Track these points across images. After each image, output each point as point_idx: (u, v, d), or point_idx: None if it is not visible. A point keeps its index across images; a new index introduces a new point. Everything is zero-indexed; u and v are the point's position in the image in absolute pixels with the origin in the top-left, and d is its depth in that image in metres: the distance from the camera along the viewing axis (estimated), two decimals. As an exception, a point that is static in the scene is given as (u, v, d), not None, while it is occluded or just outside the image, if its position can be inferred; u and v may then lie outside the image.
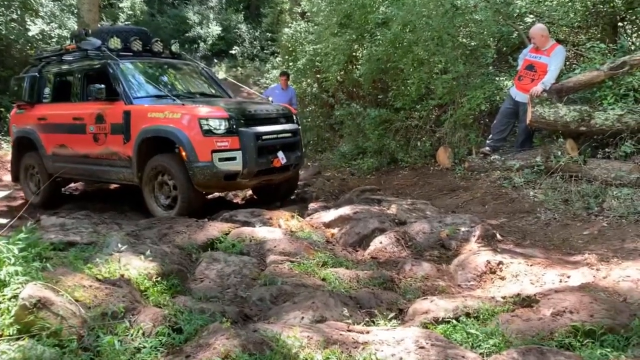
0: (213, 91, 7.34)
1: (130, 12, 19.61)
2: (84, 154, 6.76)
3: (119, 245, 3.81)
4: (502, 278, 3.89)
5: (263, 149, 6.05)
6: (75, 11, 14.05)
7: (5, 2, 12.74)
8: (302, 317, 3.12)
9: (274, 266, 4.02)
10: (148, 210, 6.23)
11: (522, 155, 6.55)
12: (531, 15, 7.88)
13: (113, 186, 8.39)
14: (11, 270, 2.63)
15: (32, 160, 7.57)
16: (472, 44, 7.90)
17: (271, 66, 14.00)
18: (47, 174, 7.24)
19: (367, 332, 2.85)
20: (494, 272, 3.96)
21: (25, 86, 7.54)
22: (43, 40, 12.72)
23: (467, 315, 3.15)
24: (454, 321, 3.06)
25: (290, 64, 11.54)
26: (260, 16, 20.24)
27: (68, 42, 7.94)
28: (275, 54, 15.43)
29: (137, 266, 3.62)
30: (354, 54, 9.59)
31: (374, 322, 3.14)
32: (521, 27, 7.73)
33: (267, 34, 19.37)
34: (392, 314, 3.28)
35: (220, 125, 5.78)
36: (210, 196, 7.71)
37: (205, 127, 5.72)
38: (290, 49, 11.61)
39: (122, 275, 3.42)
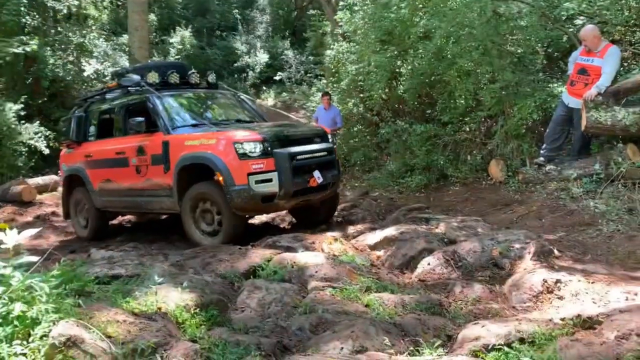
0: (249, 118, 7.40)
1: (180, 47, 20.20)
2: (128, 187, 6.93)
3: (156, 278, 3.77)
4: (561, 298, 3.59)
5: (298, 169, 6.01)
6: (127, 49, 14.62)
7: (63, 46, 13.45)
8: (342, 348, 2.96)
9: (315, 293, 3.87)
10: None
11: (580, 163, 6.16)
12: (581, 17, 7.50)
13: (164, 216, 8.52)
14: (43, 308, 2.61)
15: (80, 196, 7.83)
16: (519, 51, 7.58)
17: (316, 89, 14.03)
18: (95, 209, 7.51)
19: (410, 363, 2.66)
20: (552, 292, 3.66)
21: (72, 126, 7.85)
22: (98, 79, 13.29)
23: (521, 340, 2.90)
24: (507, 348, 2.82)
25: (335, 85, 11.50)
26: (305, 41, 20.44)
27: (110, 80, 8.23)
28: (319, 77, 15.48)
29: (174, 298, 3.57)
30: (397, 70, 9.43)
31: (418, 352, 2.93)
32: (571, 30, 7.36)
33: (311, 57, 19.54)
34: (439, 342, 3.06)
35: (254, 148, 5.83)
36: (257, 222, 7.70)
37: (240, 151, 5.77)
38: (334, 70, 11.59)
39: (159, 309, 3.37)
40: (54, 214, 9.45)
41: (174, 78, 7.11)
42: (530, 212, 5.87)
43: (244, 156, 5.77)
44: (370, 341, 2.99)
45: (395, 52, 9.20)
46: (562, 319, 3.20)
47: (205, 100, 7.47)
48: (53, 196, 10.53)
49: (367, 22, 9.65)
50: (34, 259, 2.74)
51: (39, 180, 11.13)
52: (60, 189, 10.04)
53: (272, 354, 2.93)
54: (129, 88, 7.04)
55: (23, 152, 11.73)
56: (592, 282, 3.60)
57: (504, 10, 7.29)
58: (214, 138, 5.97)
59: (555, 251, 4.41)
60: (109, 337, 2.73)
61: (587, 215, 5.29)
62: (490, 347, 2.87)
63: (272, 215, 7.59)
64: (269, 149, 5.89)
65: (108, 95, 7.52)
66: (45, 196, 10.62)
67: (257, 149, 5.83)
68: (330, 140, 6.70)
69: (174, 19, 22.33)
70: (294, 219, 7.40)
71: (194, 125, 6.60)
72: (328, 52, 12.33)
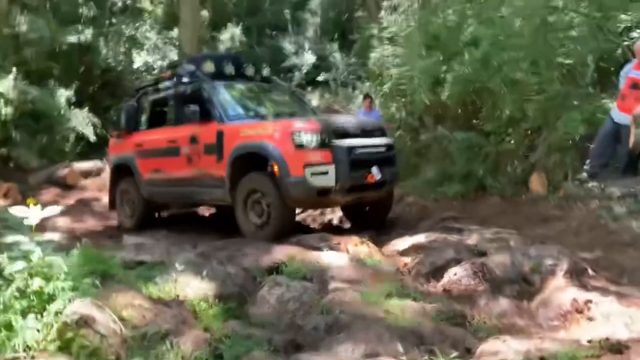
0: (302, 112, 7.25)
1: (230, 44, 20.50)
2: (178, 177, 6.82)
3: (178, 266, 3.81)
4: (591, 319, 3.44)
5: (356, 163, 5.78)
6: (177, 43, 14.94)
7: (116, 38, 13.87)
8: (353, 350, 2.91)
9: (335, 294, 3.84)
10: (230, 231, 6.20)
11: (625, 182, 5.88)
12: (638, 30, 7.18)
13: (202, 209, 8.61)
14: (60, 286, 2.66)
15: (127, 185, 7.78)
16: (568, 62, 7.31)
17: (359, 92, 13.96)
18: (142, 199, 7.46)
19: (422, 372, 2.59)
20: (581, 312, 3.51)
21: (124, 115, 7.87)
22: (147, 72, 13.62)
23: (542, 359, 2.78)
24: (525, 366, 2.71)
25: (378, 88, 11.38)
26: (352, 43, 20.39)
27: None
28: (363, 79, 15.39)
29: (194, 287, 3.61)
30: (441, 75, 9.25)
31: (432, 361, 2.85)
32: (626, 42, 7.05)
33: (354, 59, 19.47)
34: (456, 353, 2.97)
35: (312, 139, 5.61)
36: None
37: (298, 141, 5.58)
38: (377, 73, 11.48)
39: (177, 296, 3.40)
40: (95, 198, 9.71)
41: (229, 69, 7.05)
42: (569, 228, 5.64)
43: (301, 147, 5.57)
44: (383, 346, 2.94)
45: (441, 58, 9.03)
46: (589, 341, 3.06)
47: (260, 92, 7.36)
48: (96, 181, 10.83)
49: (412, 25, 9.51)
50: (56, 236, 2.81)
51: (84, 165, 11.46)
52: (103, 174, 10.33)
53: (282, 350, 2.90)
54: (184, 78, 6.98)
55: (71, 138, 12.12)
56: (626, 305, 3.43)
57: (554, 20, 7.04)
58: (271, 127, 5.85)
59: (590, 270, 4.22)
60: (124, 319, 2.76)
61: (628, 236, 5.03)
62: (507, 363, 2.76)
63: (303, 214, 7.56)
64: (327, 140, 5.67)
65: (161, 85, 7.48)
66: (88, 181, 10.93)
67: (315, 139, 5.60)
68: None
69: (225, 16, 22.67)
70: (325, 219, 7.36)
71: (248, 116, 6.47)
72: (372, 54, 12.23)
